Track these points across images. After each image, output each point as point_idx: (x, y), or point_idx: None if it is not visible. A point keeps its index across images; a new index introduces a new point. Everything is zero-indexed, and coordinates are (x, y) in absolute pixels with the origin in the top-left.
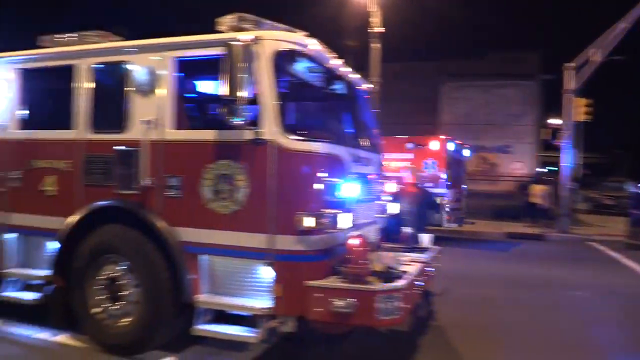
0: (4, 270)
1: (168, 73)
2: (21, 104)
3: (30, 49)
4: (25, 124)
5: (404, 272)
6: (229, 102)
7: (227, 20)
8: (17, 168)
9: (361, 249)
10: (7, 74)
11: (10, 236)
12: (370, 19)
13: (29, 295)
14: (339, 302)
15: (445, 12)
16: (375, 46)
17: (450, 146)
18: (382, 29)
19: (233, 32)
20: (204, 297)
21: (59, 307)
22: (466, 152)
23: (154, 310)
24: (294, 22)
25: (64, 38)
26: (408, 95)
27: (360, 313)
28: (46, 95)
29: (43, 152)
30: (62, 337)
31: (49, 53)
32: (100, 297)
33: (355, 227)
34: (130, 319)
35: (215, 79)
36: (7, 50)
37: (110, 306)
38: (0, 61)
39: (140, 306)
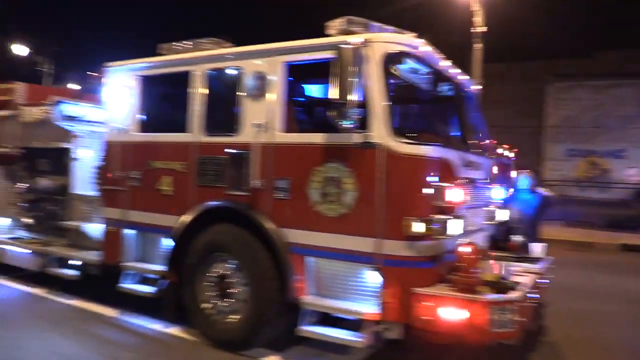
0: (124, 264)
1: (278, 77)
2: (141, 109)
3: (149, 57)
4: (145, 127)
5: (517, 283)
6: (338, 106)
7: (337, 23)
8: (136, 168)
9: (472, 257)
10: (129, 81)
11: (130, 232)
12: (473, 19)
13: (145, 288)
14: (448, 312)
15: (552, 8)
16: (478, 46)
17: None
18: (485, 28)
19: (342, 35)
20: (309, 299)
21: (171, 300)
22: (511, 156)
23: (261, 308)
24: (396, 23)
25: (180, 46)
26: (511, 97)
27: (471, 324)
28: (164, 100)
29: (160, 154)
30: (173, 330)
31: (166, 60)
32: (210, 294)
33: (465, 234)
34: (238, 317)
35: (324, 82)
36: (129, 58)
37: (219, 302)
38: (123, 68)
39: (248, 304)
